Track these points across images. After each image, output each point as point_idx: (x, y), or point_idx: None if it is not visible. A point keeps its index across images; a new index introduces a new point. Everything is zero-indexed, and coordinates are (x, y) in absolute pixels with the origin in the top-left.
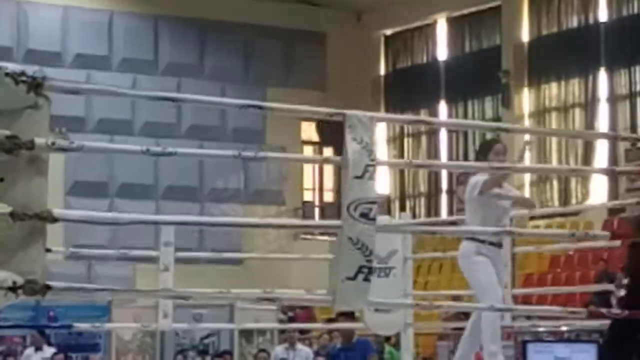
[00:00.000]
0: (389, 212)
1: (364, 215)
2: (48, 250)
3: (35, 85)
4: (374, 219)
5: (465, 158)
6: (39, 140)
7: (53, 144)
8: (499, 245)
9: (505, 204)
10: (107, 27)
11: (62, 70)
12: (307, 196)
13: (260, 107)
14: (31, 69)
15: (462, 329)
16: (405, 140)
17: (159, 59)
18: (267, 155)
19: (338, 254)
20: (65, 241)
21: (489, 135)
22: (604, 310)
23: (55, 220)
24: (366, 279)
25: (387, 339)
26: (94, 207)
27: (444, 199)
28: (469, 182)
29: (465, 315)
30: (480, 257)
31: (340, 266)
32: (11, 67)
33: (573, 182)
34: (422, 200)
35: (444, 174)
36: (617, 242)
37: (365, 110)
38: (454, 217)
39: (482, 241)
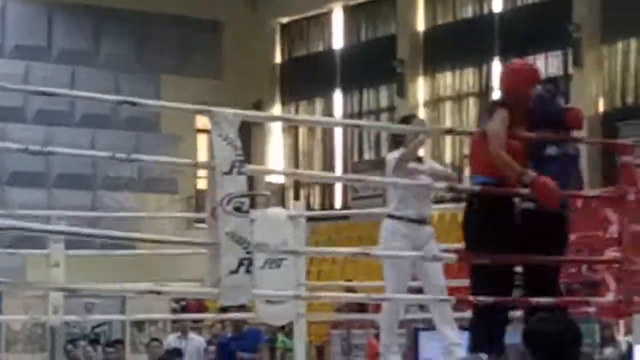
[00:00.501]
0: (282, 201)
1: (237, 209)
2: None
3: None
4: (247, 212)
5: (360, 147)
6: None
7: None
8: (420, 221)
9: (424, 178)
10: (0, 14)
11: None
12: (201, 184)
13: (134, 104)
14: None
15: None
16: (300, 129)
17: (53, 46)
18: (139, 158)
19: (217, 249)
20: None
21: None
22: (472, 298)
23: None
24: (248, 271)
25: (282, 327)
26: None
27: (338, 187)
28: (386, 160)
29: (359, 306)
30: (396, 243)
31: (222, 260)
32: None
33: (466, 170)
34: (317, 189)
35: (338, 162)
36: None
37: (262, 98)
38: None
39: (400, 217)
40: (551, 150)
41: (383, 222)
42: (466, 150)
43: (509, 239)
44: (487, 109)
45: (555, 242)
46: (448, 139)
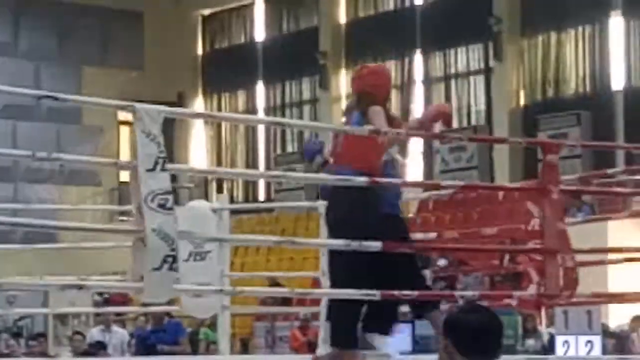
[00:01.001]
0: (206, 193)
1: (162, 205)
2: None
3: None
4: (171, 209)
5: (283, 139)
6: None
7: None
8: None
9: None
10: None
11: None
12: (124, 177)
13: (56, 99)
14: None
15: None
16: (223, 122)
17: None
18: (59, 157)
19: (139, 245)
20: None
21: (306, 115)
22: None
23: None
24: (171, 269)
25: (205, 319)
26: None
27: (261, 180)
28: None
29: (283, 299)
30: None
31: (146, 257)
32: None
33: None
34: (240, 182)
35: (261, 154)
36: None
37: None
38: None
39: None
40: (386, 156)
41: None
42: None
43: (377, 231)
44: (357, 107)
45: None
46: None
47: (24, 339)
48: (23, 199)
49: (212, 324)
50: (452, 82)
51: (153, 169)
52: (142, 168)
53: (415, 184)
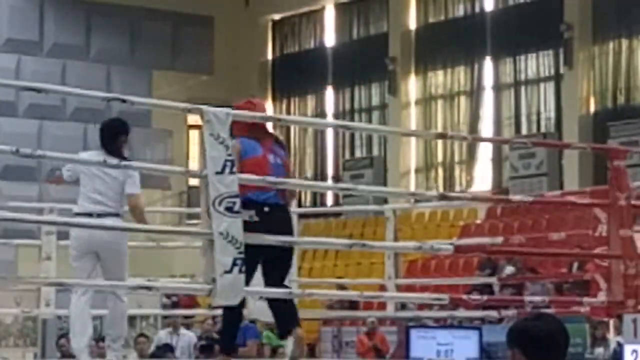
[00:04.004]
0: None
1: (229, 209)
2: None
3: None
4: (238, 212)
5: (352, 143)
6: None
7: None
8: None
9: None
10: None
11: None
12: (193, 181)
13: (124, 101)
14: None
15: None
16: (292, 127)
17: (44, 40)
18: (130, 165)
19: (209, 247)
20: None
21: (375, 121)
22: (464, 296)
23: None
24: (241, 271)
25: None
26: None
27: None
28: None
29: (350, 303)
30: None
31: (216, 261)
32: None
33: (457, 169)
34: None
35: (329, 160)
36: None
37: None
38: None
39: None
40: None
41: None
42: (457, 152)
43: None
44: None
45: None
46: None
47: (93, 340)
48: None
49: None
50: (522, 88)
51: (222, 172)
52: (210, 171)
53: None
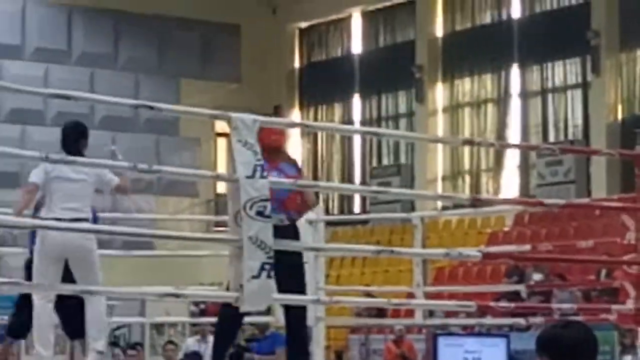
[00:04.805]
0: None
1: (260, 213)
2: None
3: None
4: (269, 217)
5: (379, 150)
6: None
7: None
8: None
9: None
10: (20, 17)
11: None
12: (221, 188)
13: (151, 108)
14: None
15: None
16: (319, 134)
17: (73, 49)
18: (160, 169)
19: (238, 254)
20: None
21: (402, 128)
22: (492, 304)
23: None
24: (269, 276)
25: None
26: None
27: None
28: None
29: (378, 311)
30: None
31: (244, 265)
32: None
33: (484, 176)
34: (336, 193)
35: (357, 167)
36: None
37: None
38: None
39: None
40: None
41: None
42: (484, 159)
43: None
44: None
45: None
46: (466, 148)
47: (121, 348)
48: (121, 210)
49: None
50: (549, 96)
51: (252, 176)
52: (241, 175)
53: (515, 202)
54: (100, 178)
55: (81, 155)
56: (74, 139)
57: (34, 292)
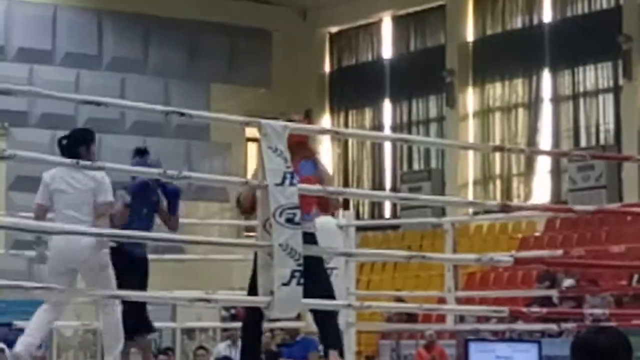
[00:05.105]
0: None
1: (289, 220)
2: None
3: None
4: (298, 224)
5: (410, 155)
6: None
7: None
8: None
9: None
10: (51, 22)
11: (4, 64)
12: None
13: (182, 114)
14: None
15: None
16: (350, 139)
17: (103, 54)
18: (190, 175)
19: (267, 260)
20: (7, 235)
21: (432, 133)
22: (524, 309)
23: None
24: (299, 283)
25: None
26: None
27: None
28: None
29: (409, 316)
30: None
31: (275, 273)
32: None
33: (515, 181)
34: (367, 198)
35: (387, 172)
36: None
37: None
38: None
39: None
40: None
41: None
42: (515, 164)
43: None
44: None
45: None
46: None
47: (152, 353)
48: None
49: None
50: (581, 100)
51: (282, 184)
52: (271, 182)
53: (544, 208)
54: (98, 188)
55: (91, 159)
56: (73, 146)
57: (43, 297)
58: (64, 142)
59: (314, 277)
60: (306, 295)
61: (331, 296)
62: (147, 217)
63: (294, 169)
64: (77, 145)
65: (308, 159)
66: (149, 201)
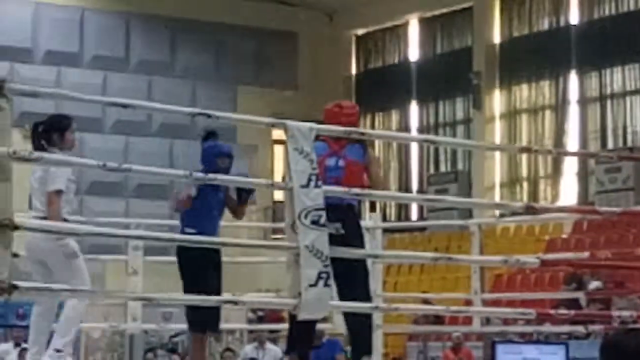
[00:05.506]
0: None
1: (315, 222)
2: (15, 255)
3: None
4: (324, 225)
5: (436, 157)
6: (0, 149)
7: (14, 152)
8: None
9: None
10: (79, 24)
11: (32, 67)
12: (278, 195)
13: (209, 116)
14: (1, 66)
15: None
16: (376, 141)
17: (130, 56)
18: (216, 177)
19: (296, 263)
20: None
21: (459, 135)
22: (552, 311)
23: (16, 228)
24: (326, 285)
25: None
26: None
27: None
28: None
29: (436, 318)
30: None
31: (302, 274)
32: None
33: (542, 183)
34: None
35: (414, 174)
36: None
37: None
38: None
39: None
40: None
41: None
42: (542, 166)
43: None
44: (363, 146)
45: None
46: (524, 155)
47: (179, 355)
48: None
49: None
50: (608, 102)
51: (307, 186)
52: (296, 184)
53: (570, 210)
54: (45, 176)
55: (44, 150)
56: (45, 131)
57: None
58: (40, 127)
59: (351, 277)
60: (341, 297)
61: (367, 299)
62: (217, 207)
63: (337, 156)
64: (51, 131)
65: (355, 143)
66: (219, 195)
